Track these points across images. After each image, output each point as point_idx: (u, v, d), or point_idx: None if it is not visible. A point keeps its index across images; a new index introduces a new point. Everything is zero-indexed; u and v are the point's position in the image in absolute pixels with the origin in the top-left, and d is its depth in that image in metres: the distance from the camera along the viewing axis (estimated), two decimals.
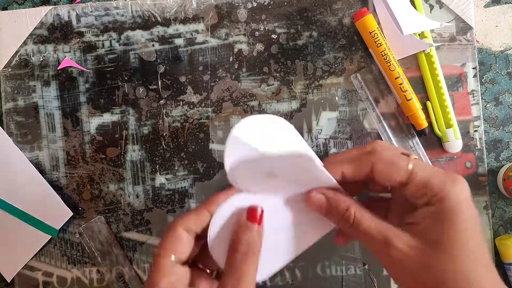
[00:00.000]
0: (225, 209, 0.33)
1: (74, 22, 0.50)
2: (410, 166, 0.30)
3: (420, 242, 0.28)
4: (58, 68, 0.50)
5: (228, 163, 0.33)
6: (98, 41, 0.50)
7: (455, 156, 0.49)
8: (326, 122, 0.50)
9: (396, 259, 0.28)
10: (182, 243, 0.31)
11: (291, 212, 0.35)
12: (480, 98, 0.50)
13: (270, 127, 0.34)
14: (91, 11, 0.50)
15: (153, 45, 0.50)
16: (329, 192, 0.32)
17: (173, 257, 0.31)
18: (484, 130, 0.50)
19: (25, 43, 0.50)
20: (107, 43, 0.50)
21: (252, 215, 0.32)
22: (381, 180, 0.31)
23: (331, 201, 0.32)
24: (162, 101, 0.50)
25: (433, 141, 0.49)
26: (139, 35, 0.50)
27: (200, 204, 0.34)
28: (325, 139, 0.50)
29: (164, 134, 0.50)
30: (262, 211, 0.33)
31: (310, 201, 0.33)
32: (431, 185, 0.29)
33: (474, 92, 0.49)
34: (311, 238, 0.35)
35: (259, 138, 0.34)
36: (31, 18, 0.50)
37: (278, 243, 0.34)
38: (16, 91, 0.51)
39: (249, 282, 0.30)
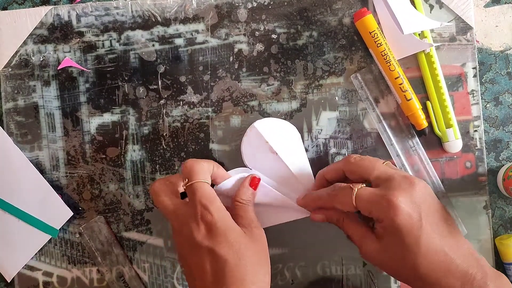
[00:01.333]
0: (235, 172, 0.47)
1: (74, 22, 0.50)
2: (353, 199, 0.40)
3: (379, 245, 0.39)
4: (58, 68, 0.50)
5: (243, 145, 0.47)
6: (98, 41, 0.50)
7: (455, 156, 0.49)
8: (326, 122, 0.50)
9: (365, 254, 0.41)
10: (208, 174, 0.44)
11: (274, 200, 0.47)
12: (480, 98, 0.50)
13: (284, 130, 0.48)
14: (91, 11, 0.50)
15: (153, 45, 0.50)
16: (328, 212, 0.44)
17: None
18: (484, 130, 0.50)
19: (25, 43, 0.50)
20: (107, 43, 0.50)
21: (252, 182, 0.45)
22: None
23: (329, 216, 0.44)
24: (162, 101, 0.50)
25: (433, 141, 0.49)
26: (139, 35, 0.50)
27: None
28: (325, 139, 0.50)
29: (164, 134, 0.50)
30: (259, 180, 0.46)
31: (314, 218, 0.45)
32: (372, 212, 0.39)
33: (474, 92, 0.50)
34: (288, 217, 0.48)
35: (272, 134, 0.47)
36: (31, 18, 0.50)
37: (264, 210, 0.47)
38: (16, 91, 0.51)
39: (251, 218, 0.44)
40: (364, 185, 0.41)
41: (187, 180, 0.43)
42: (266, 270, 0.41)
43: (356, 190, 0.40)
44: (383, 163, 0.43)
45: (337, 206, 0.42)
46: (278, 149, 0.46)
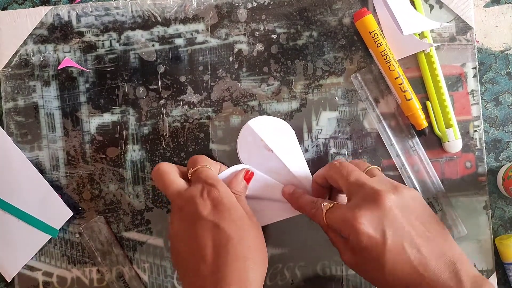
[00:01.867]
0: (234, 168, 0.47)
1: (74, 22, 0.50)
2: (325, 220, 0.41)
3: (354, 258, 0.39)
4: (58, 68, 0.50)
5: (239, 144, 0.47)
6: (98, 41, 0.50)
7: (455, 156, 0.49)
8: (326, 122, 0.50)
9: (346, 263, 0.40)
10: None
11: (271, 192, 0.47)
12: (480, 98, 0.50)
13: (278, 127, 0.48)
14: (91, 11, 0.50)
15: (153, 45, 0.50)
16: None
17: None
18: (484, 130, 0.50)
19: (25, 43, 0.50)
20: (107, 43, 0.50)
21: (246, 176, 0.46)
22: None
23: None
24: (162, 101, 0.50)
25: (433, 141, 0.49)
26: (139, 35, 0.50)
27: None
28: (325, 139, 0.50)
29: (164, 134, 0.50)
30: (252, 174, 0.46)
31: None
32: (342, 232, 0.39)
33: (474, 92, 0.50)
34: (281, 215, 0.47)
35: (266, 132, 0.47)
36: (31, 18, 0.50)
37: (262, 208, 0.47)
38: (16, 91, 0.51)
39: (247, 208, 0.43)
40: (335, 202, 0.41)
41: (192, 168, 0.44)
42: (265, 256, 0.41)
43: (324, 212, 0.41)
44: (366, 169, 0.42)
45: (316, 222, 0.42)
46: (273, 146, 0.46)
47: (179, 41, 0.50)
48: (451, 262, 0.37)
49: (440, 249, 0.37)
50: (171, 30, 0.50)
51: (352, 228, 0.38)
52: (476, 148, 0.49)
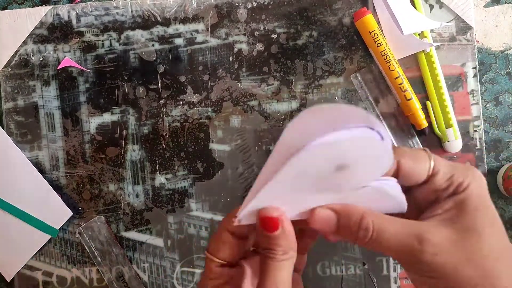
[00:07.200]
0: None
1: (74, 21, 0.50)
2: (432, 162, 0.29)
3: (454, 232, 0.26)
4: (58, 68, 0.50)
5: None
6: (98, 40, 0.50)
7: (455, 156, 0.49)
8: None
9: (432, 256, 0.26)
10: (225, 245, 0.30)
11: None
12: (480, 98, 0.50)
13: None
14: (91, 11, 0.50)
15: (153, 45, 0.50)
16: (336, 206, 0.28)
17: (216, 259, 0.30)
18: (484, 130, 0.50)
19: (25, 42, 0.50)
20: (107, 43, 0.50)
21: (265, 224, 0.28)
22: (406, 176, 0.29)
23: (341, 215, 0.28)
24: (162, 101, 0.50)
25: (433, 141, 0.49)
26: (139, 34, 0.50)
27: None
28: None
29: (164, 134, 0.50)
30: (281, 217, 0.28)
31: (313, 220, 0.28)
32: (455, 177, 0.28)
33: (474, 92, 0.49)
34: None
35: None
36: (31, 17, 0.50)
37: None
38: (16, 91, 0.51)
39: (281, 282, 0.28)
40: None
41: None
42: None
43: (430, 153, 0.30)
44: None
45: (403, 172, 0.29)
46: None
47: (179, 41, 0.50)
48: None
49: None
50: (171, 30, 0.50)
51: (475, 172, 0.29)
52: (476, 148, 0.49)
